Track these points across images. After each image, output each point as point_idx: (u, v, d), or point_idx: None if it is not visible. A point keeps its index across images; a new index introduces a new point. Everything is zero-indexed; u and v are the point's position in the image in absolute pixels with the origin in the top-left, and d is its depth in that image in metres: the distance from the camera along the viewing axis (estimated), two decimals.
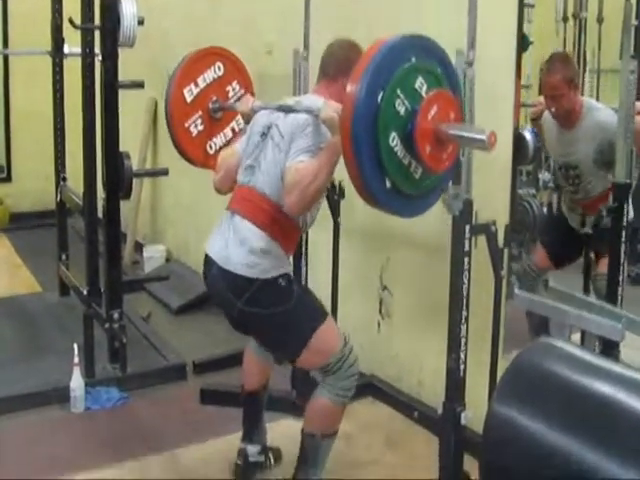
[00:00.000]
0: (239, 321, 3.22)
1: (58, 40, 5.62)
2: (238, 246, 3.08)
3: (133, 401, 4.41)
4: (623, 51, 3.13)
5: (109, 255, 4.57)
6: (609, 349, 3.08)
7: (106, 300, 4.60)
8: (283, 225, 3.09)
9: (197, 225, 6.15)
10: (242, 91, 3.92)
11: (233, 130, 3.90)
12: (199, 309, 5.66)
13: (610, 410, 1.41)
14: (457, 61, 2.90)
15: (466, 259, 2.99)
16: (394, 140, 2.61)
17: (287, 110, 3.17)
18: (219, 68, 3.89)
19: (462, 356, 3.06)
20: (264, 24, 5.22)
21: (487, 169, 3.35)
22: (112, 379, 4.51)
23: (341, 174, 2.84)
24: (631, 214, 3.40)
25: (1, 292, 6.25)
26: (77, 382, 4.26)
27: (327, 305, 4.09)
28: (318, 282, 4.00)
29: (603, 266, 3.60)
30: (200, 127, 3.84)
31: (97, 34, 4.48)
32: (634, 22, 3.11)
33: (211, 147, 3.88)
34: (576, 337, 3.48)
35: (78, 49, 4.89)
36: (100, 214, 4.73)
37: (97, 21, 4.49)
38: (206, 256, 3.22)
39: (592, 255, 3.85)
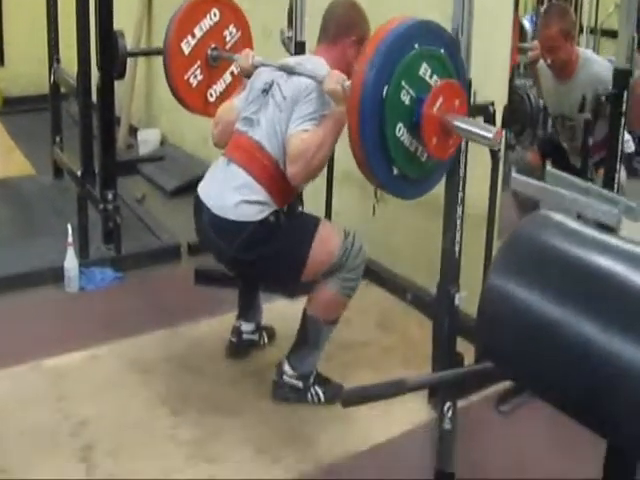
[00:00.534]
0: (233, 265, 3.26)
1: None
2: (233, 195, 3.04)
3: (127, 281, 4.44)
4: None
5: (103, 136, 4.54)
6: None
7: (100, 181, 4.59)
8: (280, 182, 3.05)
9: None
10: (239, 34, 3.86)
11: (232, 74, 3.84)
12: (193, 191, 5.60)
13: (609, 282, 1.40)
14: None
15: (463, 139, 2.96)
16: (400, 130, 2.58)
17: (289, 71, 3.12)
18: (215, 14, 3.80)
19: (457, 237, 3.06)
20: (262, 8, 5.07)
21: (486, 49, 3.29)
22: (106, 260, 4.53)
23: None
24: None
25: None
26: (71, 262, 4.28)
27: (322, 189, 4.10)
28: None
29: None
30: (199, 77, 3.79)
31: None
32: None
33: (211, 95, 3.84)
34: None
35: None
36: (94, 98, 4.68)
37: None
38: (198, 200, 3.19)
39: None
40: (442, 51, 2.65)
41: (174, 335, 3.83)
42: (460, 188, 3.03)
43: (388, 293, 4.28)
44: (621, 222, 3.00)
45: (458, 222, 3.04)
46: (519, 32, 3.73)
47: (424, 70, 2.59)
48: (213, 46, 3.79)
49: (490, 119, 3.06)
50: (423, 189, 2.87)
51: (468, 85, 2.90)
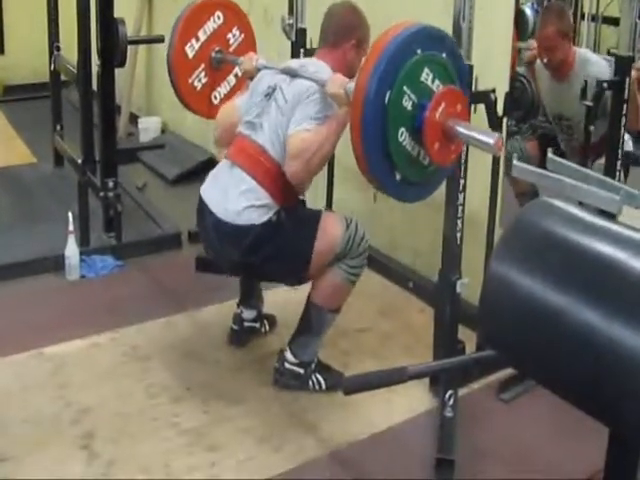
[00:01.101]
0: (237, 269, 3.27)
1: None
2: (237, 199, 3.04)
3: (128, 269, 4.44)
4: None
5: (104, 124, 4.53)
6: None
7: (101, 169, 4.58)
8: (283, 184, 3.04)
9: None
10: (242, 36, 3.85)
11: (236, 76, 3.82)
12: (195, 179, 5.59)
13: (610, 269, 1.39)
14: None
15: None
16: (402, 135, 2.58)
17: (292, 74, 3.11)
18: (218, 17, 3.79)
19: (459, 224, 3.05)
20: None
21: (488, 35, 3.28)
22: (107, 248, 4.53)
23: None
24: None
25: None
26: (71, 250, 4.27)
27: (323, 177, 4.09)
28: None
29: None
30: (204, 80, 3.79)
31: None
32: None
33: (215, 97, 3.84)
34: None
35: None
36: (95, 86, 4.67)
37: None
38: (202, 202, 3.19)
39: None
40: (444, 56, 2.65)
41: (175, 323, 3.83)
42: (462, 175, 3.03)
43: (389, 281, 4.28)
44: (622, 210, 3.00)
45: (460, 209, 3.04)
46: (520, 20, 3.73)
47: (426, 75, 2.59)
48: (217, 49, 3.78)
49: (491, 106, 3.05)
50: (425, 192, 2.88)
51: (469, 71, 2.89)
